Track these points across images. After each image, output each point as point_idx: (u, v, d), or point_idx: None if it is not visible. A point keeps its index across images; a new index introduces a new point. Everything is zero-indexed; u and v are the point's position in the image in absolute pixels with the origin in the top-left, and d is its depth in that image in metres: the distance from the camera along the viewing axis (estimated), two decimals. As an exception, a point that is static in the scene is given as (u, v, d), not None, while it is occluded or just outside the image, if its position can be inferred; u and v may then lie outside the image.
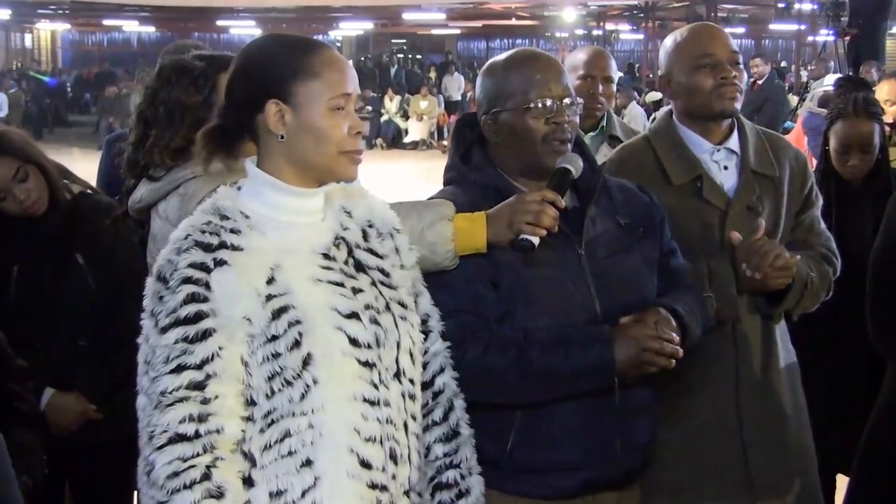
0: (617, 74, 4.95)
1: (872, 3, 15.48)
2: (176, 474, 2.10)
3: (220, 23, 40.60)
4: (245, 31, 41.09)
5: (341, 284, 2.33)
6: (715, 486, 3.21)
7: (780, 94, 16.31)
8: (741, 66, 3.30)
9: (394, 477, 2.34)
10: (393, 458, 2.34)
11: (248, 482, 2.22)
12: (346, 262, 2.38)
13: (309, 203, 2.37)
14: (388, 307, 2.40)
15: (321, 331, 2.26)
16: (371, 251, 2.45)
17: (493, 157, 2.86)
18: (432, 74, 33.96)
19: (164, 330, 2.17)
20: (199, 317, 2.16)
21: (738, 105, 3.31)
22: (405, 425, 2.39)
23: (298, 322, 2.23)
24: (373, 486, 2.29)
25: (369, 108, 25.25)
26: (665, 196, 3.12)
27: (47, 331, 3.68)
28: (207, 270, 2.19)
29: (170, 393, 2.13)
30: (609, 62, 4.79)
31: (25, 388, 3.23)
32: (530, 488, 2.74)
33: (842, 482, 4.23)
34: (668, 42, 3.42)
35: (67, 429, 3.61)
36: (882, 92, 6.35)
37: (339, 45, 41.72)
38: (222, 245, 2.22)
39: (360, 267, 2.41)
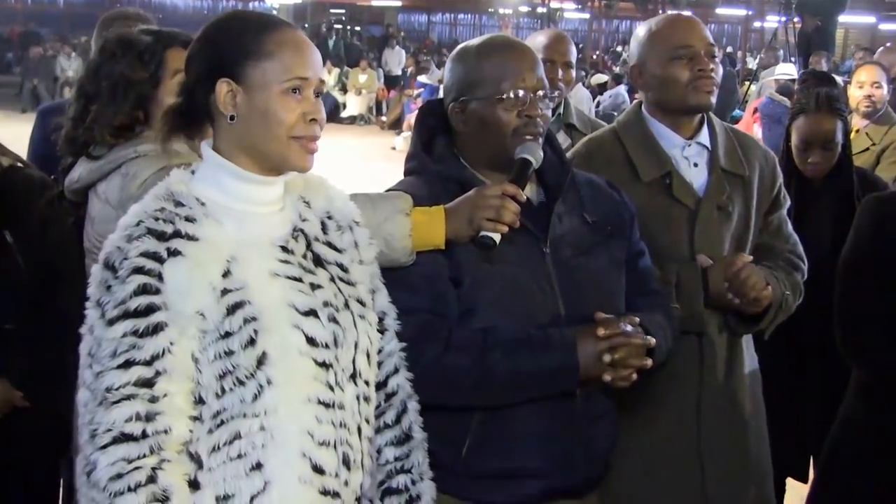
0: (575, 59, 4.93)
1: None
2: (119, 476, 2.02)
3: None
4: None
5: (299, 280, 2.26)
6: (670, 499, 3.21)
7: (732, 81, 16.51)
8: (717, 60, 3.26)
9: (346, 483, 2.28)
10: (346, 463, 2.28)
11: (193, 485, 2.15)
12: (304, 256, 2.31)
13: (268, 192, 2.30)
14: (346, 305, 2.33)
15: (278, 329, 2.20)
16: (330, 245, 2.38)
17: (459, 148, 2.80)
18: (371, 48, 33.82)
19: (111, 322, 2.08)
20: (150, 310, 2.08)
21: (713, 99, 3.27)
22: (359, 429, 2.34)
23: (254, 319, 2.16)
24: (325, 493, 2.24)
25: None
26: (634, 193, 3.09)
27: None
28: (160, 260, 2.11)
29: (116, 389, 2.05)
30: (569, 47, 4.76)
31: None
32: (486, 495, 2.71)
33: (791, 486, 4.27)
34: (642, 31, 3.38)
35: None
36: (861, 76, 6.42)
37: (275, 12, 41.45)
38: (177, 234, 2.14)
39: (319, 261, 2.34)
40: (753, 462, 3.40)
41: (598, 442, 2.80)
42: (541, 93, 2.71)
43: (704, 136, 3.33)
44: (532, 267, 2.69)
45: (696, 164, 3.30)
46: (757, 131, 12.49)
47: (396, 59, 29.00)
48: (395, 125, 23.04)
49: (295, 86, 2.22)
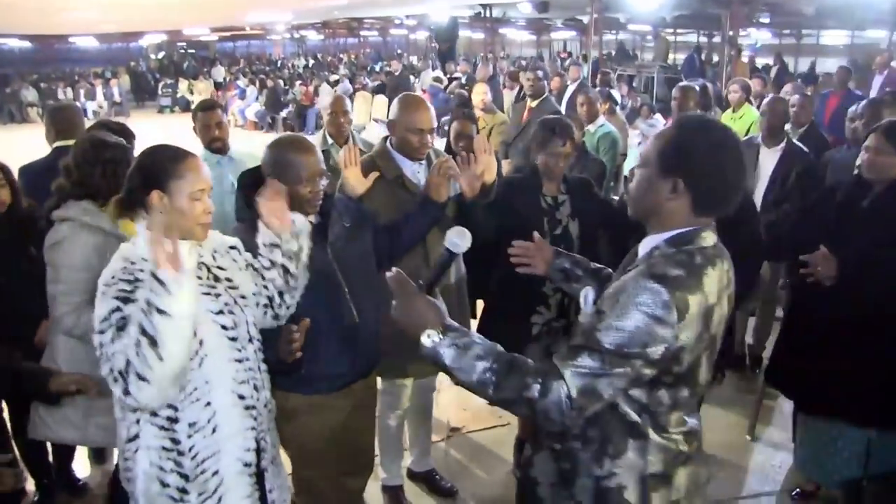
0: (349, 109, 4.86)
1: (447, 31, 15.90)
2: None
3: (71, 39, 36.59)
4: (88, 43, 37.32)
5: (208, 294, 2.15)
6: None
7: (407, 80, 16.36)
8: (434, 132, 3.21)
9: (258, 399, 2.23)
10: (256, 388, 2.22)
11: (174, 420, 2.06)
12: (207, 277, 2.18)
13: (183, 247, 2.07)
14: (235, 302, 2.22)
15: (205, 325, 2.09)
16: (219, 267, 2.24)
17: None
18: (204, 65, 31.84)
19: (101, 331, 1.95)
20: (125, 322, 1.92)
21: (426, 153, 3.21)
22: (259, 367, 2.26)
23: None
24: (247, 408, 2.18)
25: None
26: (383, 188, 3.04)
27: (26, 293, 3.13)
28: (131, 294, 1.96)
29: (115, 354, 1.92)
30: (346, 106, 4.78)
31: None
32: (313, 389, 2.67)
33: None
34: (397, 103, 3.21)
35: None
36: (478, 89, 6.58)
37: (145, 48, 38.38)
38: (137, 279, 1.98)
39: (217, 278, 2.21)
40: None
41: (373, 346, 2.81)
42: (321, 178, 2.55)
43: (424, 161, 3.26)
44: (322, 259, 2.59)
45: (419, 173, 3.24)
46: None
47: (219, 73, 27.21)
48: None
49: (197, 194, 2.09)
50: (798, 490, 3.73)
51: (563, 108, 7.56)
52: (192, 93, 25.00)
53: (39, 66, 31.54)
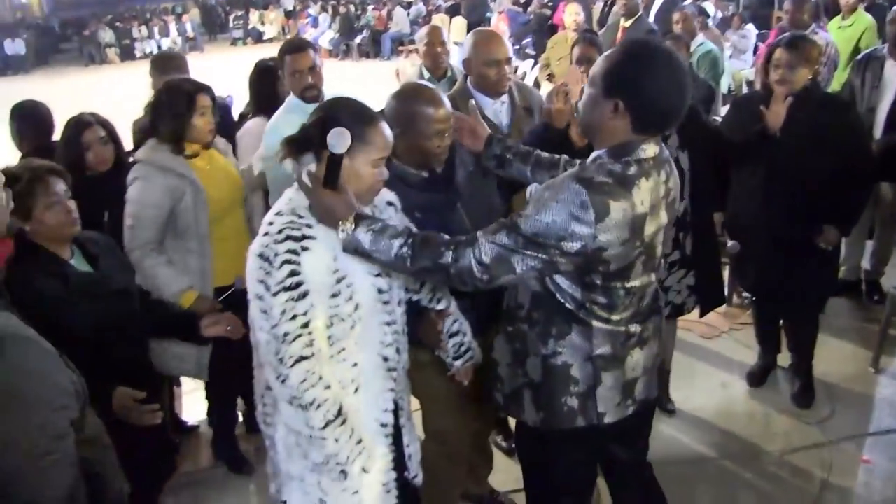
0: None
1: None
2: (304, 381, 1.94)
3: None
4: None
5: None
6: None
7: (483, 3, 15.76)
8: (511, 62, 3.15)
9: (399, 362, 2.21)
10: (398, 351, 2.20)
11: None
12: None
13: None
14: None
15: (363, 287, 2.06)
16: None
17: (395, 153, 2.36)
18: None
19: (275, 294, 1.92)
20: (298, 284, 1.92)
21: (507, 86, 3.16)
22: (403, 330, 2.24)
23: (351, 285, 2.03)
24: (389, 370, 2.17)
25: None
26: None
27: None
28: (297, 254, 1.93)
29: (289, 334, 1.92)
30: (441, 36, 4.45)
31: None
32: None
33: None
34: (470, 39, 3.17)
35: None
36: (570, 11, 6.26)
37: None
38: (304, 237, 1.96)
39: None
40: None
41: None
42: (448, 131, 2.40)
43: (506, 96, 3.22)
44: (451, 210, 2.49)
45: (501, 112, 3.22)
46: (503, 26, 12.00)
47: (289, 1, 27.05)
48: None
49: (379, 162, 2.03)
50: (933, 426, 3.57)
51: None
52: (263, 23, 25.06)
53: (111, 6, 31.84)
